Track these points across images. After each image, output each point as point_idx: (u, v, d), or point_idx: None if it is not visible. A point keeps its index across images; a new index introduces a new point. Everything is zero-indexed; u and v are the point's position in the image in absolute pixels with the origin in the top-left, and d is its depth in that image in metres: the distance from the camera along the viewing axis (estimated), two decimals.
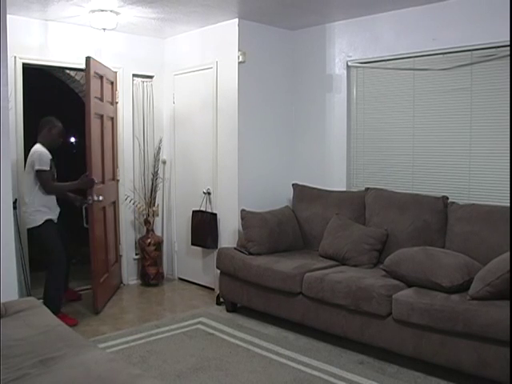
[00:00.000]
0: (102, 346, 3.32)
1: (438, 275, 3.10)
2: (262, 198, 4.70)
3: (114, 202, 4.95)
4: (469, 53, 3.79)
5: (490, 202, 3.65)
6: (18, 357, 2.12)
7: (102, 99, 4.50)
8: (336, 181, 4.64)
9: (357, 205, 4.24)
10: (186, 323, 3.98)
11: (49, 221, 4.02)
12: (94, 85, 4.30)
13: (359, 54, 4.46)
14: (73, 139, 7.88)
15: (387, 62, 4.29)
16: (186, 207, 5.10)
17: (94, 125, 4.28)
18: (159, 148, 5.31)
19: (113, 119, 4.91)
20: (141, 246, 5.13)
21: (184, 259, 5.29)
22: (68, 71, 4.91)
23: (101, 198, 4.28)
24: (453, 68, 3.89)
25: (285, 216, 4.46)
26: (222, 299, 4.42)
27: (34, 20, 4.37)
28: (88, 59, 4.16)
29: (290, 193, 4.81)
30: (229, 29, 4.57)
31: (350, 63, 4.53)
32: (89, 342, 2.49)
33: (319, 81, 4.77)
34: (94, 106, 4.26)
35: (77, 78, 4.98)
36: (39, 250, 4.12)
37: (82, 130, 4.43)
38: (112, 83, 4.85)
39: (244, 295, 4.09)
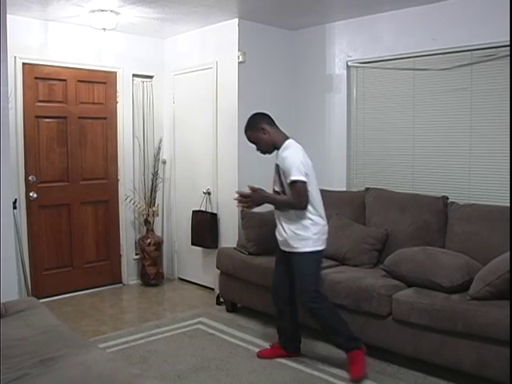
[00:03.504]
0: (101, 345, 3.31)
1: (438, 275, 3.10)
2: None
3: (106, 201, 5.06)
4: (469, 53, 3.78)
5: (489, 202, 3.64)
6: (18, 357, 2.12)
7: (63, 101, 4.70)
8: (336, 181, 4.64)
9: (357, 205, 4.24)
10: (186, 323, 3.98)
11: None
12: (40, 88, 4.52)
13: (359, 54, 4.46)
14: None
15: (387, 62, 4.28)
16: (186, 207, 5.10)
17: (42, 126, 4.57)
18: (159, 148, 5.30)
19: (105, 119, 4.97)
20: (141, 246, 5.13)
21: (184, 259, 5.29)
22: None
23: (35, 195, 4.51)
24: (453, 68, 3.89)
25: None
26: (221, 299, 4.42)
27: (34, 20, 4.37)
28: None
29: None
30: (229, 29, 4.57)
31: (350, 63, 4.53)
32: (89, 342, 2.49)
33: (319, 81, 4.77)
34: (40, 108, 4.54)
35: None
36: None
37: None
38: (94, 83, 4.90)
39: (244, 295, 4.09)
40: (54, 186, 4.68)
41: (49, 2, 3.89)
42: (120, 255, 5.15)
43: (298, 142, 3.22)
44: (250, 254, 4.10)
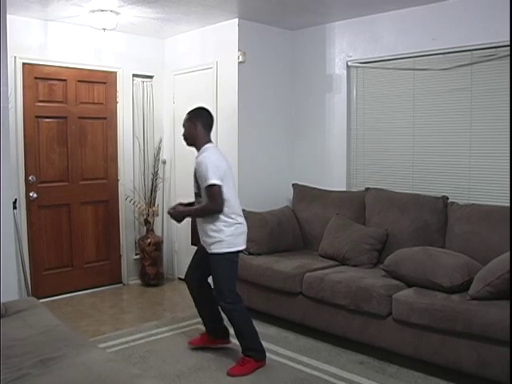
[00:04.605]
0: (101, 345, 3.31)
1: (438, 275, 3.10)
2: (262, 198, 4.70)
3: (106, 201, 5.05)
4: (469, 53, 3.79)
5: (489, 202, 3.64)
6: (18, 357, 2.12)
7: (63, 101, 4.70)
8: (336, 181, 4.64)
9: (357, 205, 4.24)
10: (186, 323, 3.98)
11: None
12: (40, 88, 4.52)
13: (359, 54, 4.46)
14: None
15: (387, 62, 4.28)
16: None
17: (42, 126, 4.57)
18: (159, 148, 5.31)
19: (105, 119, 4.97)
20: (141, 246, 5.13)
21: (184, 259, 5.27)
22: None
23: (35, 195, 4.51)
24: (453, 68, 3.89)
25: (285, 216, 4.46)
26: None
27: (34, 20, 4.37)
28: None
29: (290, 193, 4.81)
30: (229, 29, 4.57)
31: (350, 63, 4.53)
32: (89, 342, 2.49)
33: (319, 81, 4.77)
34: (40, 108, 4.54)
35: None
36: None
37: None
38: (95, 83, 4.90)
39: (244, 295, 4.06)
40: (53, 185, 4.68)
41: (49, 2, 3.89)
42: (120, 255, 5.15)
43: (217, 147, 3.42)
44: (250, 253, 4.10)
